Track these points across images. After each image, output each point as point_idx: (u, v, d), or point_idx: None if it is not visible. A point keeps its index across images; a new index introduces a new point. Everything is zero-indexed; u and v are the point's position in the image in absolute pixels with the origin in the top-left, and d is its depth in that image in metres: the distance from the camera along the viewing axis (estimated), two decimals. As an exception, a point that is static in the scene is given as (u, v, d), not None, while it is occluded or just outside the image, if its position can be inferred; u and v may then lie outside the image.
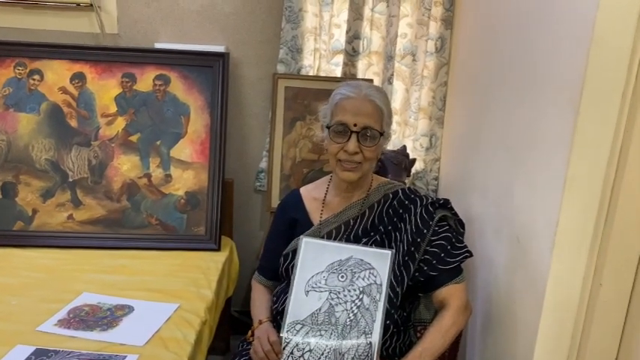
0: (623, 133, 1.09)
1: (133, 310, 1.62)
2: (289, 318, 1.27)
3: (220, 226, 2.16)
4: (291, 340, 1.26)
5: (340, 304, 1.27)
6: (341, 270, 1.30)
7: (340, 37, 2.28)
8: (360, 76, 2.31)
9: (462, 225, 1.46)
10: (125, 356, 1.37)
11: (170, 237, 2.14)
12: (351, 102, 1.36)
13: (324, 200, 1.50)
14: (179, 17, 2.32)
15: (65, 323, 1.53)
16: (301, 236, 1.35)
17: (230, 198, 2.33)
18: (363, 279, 1.28)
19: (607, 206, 1.13)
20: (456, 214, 1.44)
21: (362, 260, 1.30)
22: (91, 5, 2.26)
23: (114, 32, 2.32)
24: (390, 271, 1.29)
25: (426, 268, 1.37)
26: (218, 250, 2.13)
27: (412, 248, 1.38)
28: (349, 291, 1.27)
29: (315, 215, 1.49)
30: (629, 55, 1.05)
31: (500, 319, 1.49)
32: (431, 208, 1.41)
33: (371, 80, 2.27)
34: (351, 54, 2.29)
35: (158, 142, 2.18)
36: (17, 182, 2.11)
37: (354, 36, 2.27)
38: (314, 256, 1.32)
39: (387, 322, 1.35)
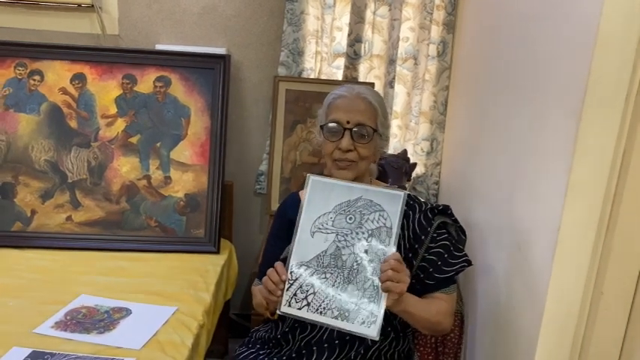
0: (625, 140, 1.08)
1: (131, 312, 1.62)
2: (294, 259, 1.23)
3: (220, 228, 2.15)
4: (294, 281, 1.22)
5: (347, 247, 1.21)
6: (349, 211, 1.23)
7: (342, 40, 2.27)
8: (361, 79, 2.31)
9: (463, 232, 1.44)
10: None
11: (169, 239, 2.13)
12: (344, 100, 1.37)
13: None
14: (180, 19, 2.32)
15: (62, 325, 1.52)
16: (308, 174, 1.29)
17: (230, 201, 2.32)
18: (372, 221, 1.21)
19: (609, 214, 1.11)
20: (456, 221, 1.42)
21: (372, 201, 1.22)
22: (92, 6, 2.26)
23: (115, 33, 2.32)
24: (401, 214, 1.19)
25: (422, 275, 1.35)
26: (217, 253, 2.12)
27: (410, 255, 1.36)
28: (357, 233, 1.21)
29: (314, 219, 1.47)
30: (632, 62, 1.04)
31: (500, 327, 1.48)
32: (430, 215, 1.39)
33: (372, 84, 2.27)
34: (353, 57, 2.29)
35: (158, 144, 2.17)
36: (16, 183, 2.11)
37: (355, 39, 2.27)
38: (321, 195, 1.25)
39: (388, 328, 1.35)
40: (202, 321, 1.63)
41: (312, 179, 1.27)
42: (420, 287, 1.35)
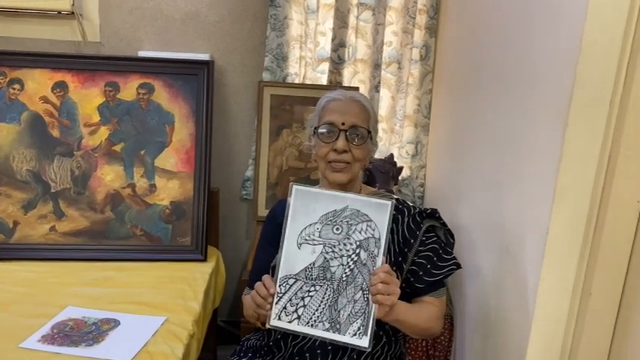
0: (611, 143, 1.10)
1: (119, 324, 1.59)
2: (281, 272, 1.21)
3: (206, 236, 2.14)
4: (283, 294, 1.20)
5: (336, 258, 1.20)
6: (336, 222, 1.21)
7: (326, 45, 2.28)
8: (345, 83, 2.31)
9: (452, 235, 1.45)
10: (112, 373, 1.35)
11: (155, 248, 2.11)
12: (338, 103, 1.39)
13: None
14: (163, 25, 2.30)
15: (49, 339, 1.49)
16: (291, 183, 1.25)
17: (216, 207, 2.31)
18: (360, 232, 1.19)
19: (596, 216, 1.13)
20: (444, 224, 1.44)
21: (359, 211, 1.20)
22: (73, 13, 2.22)
23: (96, 40, 2.29)
24: (389, 224, 1.18)
25: (412, 279, 1.36)
26: (204, 260, 2.10)
27: (400, 259, 1.37)
28: (345, 245, 1.20)
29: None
30: (617, 66, 1.06)
31: (489, 329, 1.49)
32: (418, 218, 1.40)
33: (357, 88, 2.27)
34: (337, 62, 2.29)
35: (142, 152, 2.15)
36: (-3, 194, 2.07)
37: (339, 44, 2.27)
38: (306, 205, 1.22)
39: (380, 333, 1.35)
40: (192, 331, 1.61)
41: (296, 189, 1.24)
42: (410, 291, 1.36)
